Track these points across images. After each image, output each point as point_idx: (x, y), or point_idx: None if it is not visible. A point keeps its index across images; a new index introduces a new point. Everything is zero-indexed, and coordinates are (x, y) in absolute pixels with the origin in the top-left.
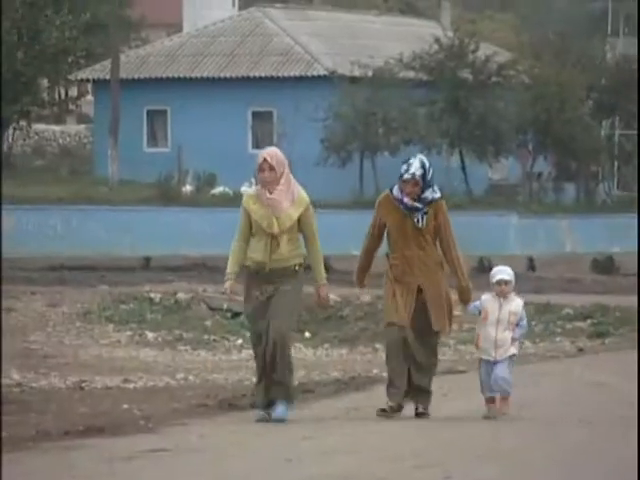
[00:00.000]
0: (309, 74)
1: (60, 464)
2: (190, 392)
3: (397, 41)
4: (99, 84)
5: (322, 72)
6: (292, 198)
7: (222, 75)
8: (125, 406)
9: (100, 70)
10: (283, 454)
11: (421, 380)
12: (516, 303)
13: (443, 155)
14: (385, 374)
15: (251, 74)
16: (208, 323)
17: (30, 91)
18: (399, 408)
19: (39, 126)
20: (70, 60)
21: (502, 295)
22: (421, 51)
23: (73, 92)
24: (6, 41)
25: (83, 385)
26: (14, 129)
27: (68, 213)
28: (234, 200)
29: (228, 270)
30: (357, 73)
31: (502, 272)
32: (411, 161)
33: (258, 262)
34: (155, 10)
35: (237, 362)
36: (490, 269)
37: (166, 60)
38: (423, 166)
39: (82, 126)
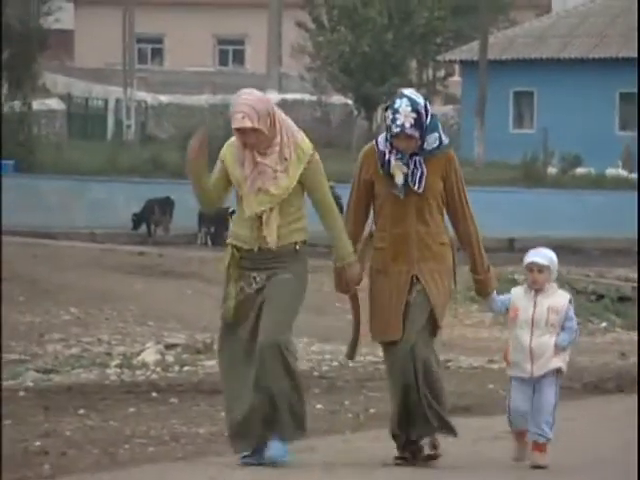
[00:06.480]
0: None
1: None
2: None
3: None
4: (466, 65)
5: None
6: (288, 154)
7: (591, 56)
8: (490, 386)
9: (468, 51)
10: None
11: (434, 408)
12: (558, 297)
13: None
14: None
15: (620, 55)
16: None
17: (399, 72)
18: (412, 453)
19: None
20: (438, 41)
21: (535, 285)
22: None
23: (440, 73)
24: (377, 23)
25: (449, 364)
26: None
27: None
28: (598, 182)
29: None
30: None
31: (536, 254)
32: (397, 104)
33: (243, 239)
34: None
35: (601, 345)
36: None
37: (534, 41)
38: (415, 108)
39: (449, 107)
